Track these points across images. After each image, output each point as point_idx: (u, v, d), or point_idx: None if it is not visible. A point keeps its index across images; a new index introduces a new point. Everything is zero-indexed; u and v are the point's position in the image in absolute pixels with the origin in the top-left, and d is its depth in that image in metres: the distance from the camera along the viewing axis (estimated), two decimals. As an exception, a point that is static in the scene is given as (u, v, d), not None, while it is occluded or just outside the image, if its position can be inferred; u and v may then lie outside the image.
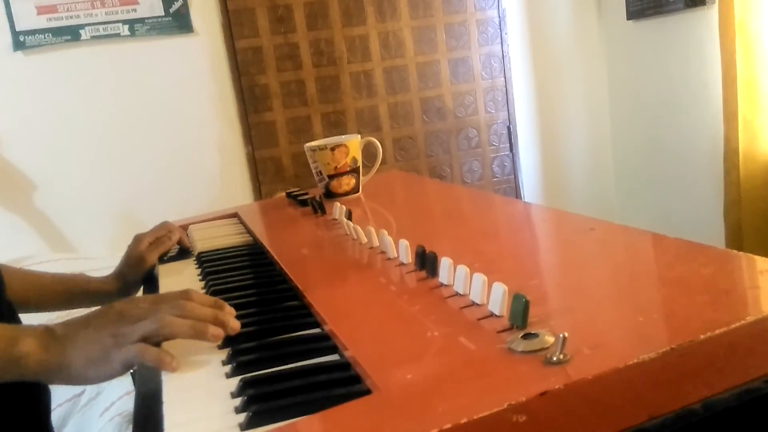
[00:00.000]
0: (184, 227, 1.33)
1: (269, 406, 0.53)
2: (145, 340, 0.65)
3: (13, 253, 1.98)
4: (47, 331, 0.66)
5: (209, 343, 0.69)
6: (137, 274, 1.11)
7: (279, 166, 2.82)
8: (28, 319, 0.91)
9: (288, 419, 0.51)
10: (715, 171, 2.45)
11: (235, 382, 0.59)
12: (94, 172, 2.61)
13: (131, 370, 0.71)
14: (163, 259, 1.16)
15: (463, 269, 0.66)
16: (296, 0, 2.75)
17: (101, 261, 1.91)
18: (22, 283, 1.04)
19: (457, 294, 0.67)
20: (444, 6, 2.90)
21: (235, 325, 0.69)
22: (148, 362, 0.64)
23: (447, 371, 0.52)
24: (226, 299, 0.80)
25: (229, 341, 0.70)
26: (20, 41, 2.46)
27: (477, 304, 0.63)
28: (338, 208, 1.11)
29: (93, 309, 0.69)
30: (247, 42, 2.71)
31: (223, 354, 0.67)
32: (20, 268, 1.10)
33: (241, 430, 0.52)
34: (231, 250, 1.13)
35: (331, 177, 1.33)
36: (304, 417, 0.51)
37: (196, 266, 1.07)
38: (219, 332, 0.68)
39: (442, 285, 0.70)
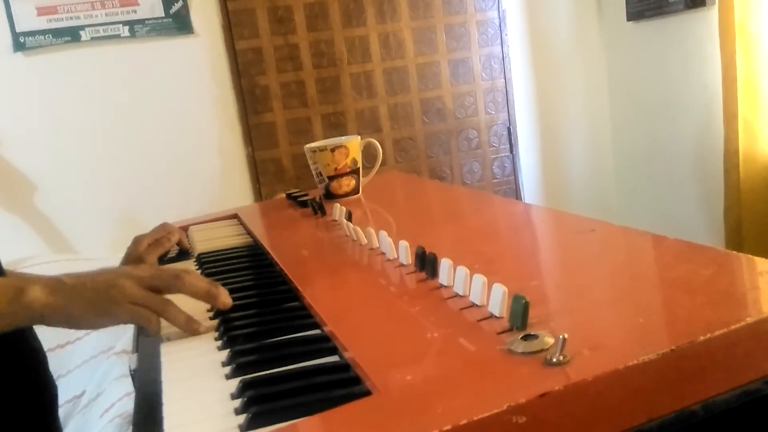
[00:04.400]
0: (185, 228, 1.33)
1: (269, 408, 0.53)
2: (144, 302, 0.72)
3: (13, 254, 1.97)
4: (55, 279, 0.73)
5: (210, 341, 0.69)
6: (137, 275, 1.11)
7: (279, 168, 2.82)
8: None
9: (288, 420, 0.51)
10: (715, 172, 2.45)
11: (235, 383, 0.59)
12: (95, 173, 2.61)
13: (132, 373, 0.71)
14: (163, 260, 1.16)
15: (463, 270, 0.66)
16: (296, 1, 2.75)
17: (101, 262, 1.91)
18: None
19: (456, 295, 0.67)
20: (444, 7, 2.90)
21: (227, 300, 0.76)
22: (146, 325, 0.71)
23: (447, 372, 0.52)
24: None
25: (229, 342, 0.70)
26: (20, 42, 2.46)
27: (477, 305, 0.63)
28: (338, 210, 1.11)
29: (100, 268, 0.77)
30: (247, 43, 2.72)
31: (224, 355, 0.67)
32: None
33: (241, 431, 0.52)
34: (231, 251, 1.13)
35: (331, 178, 1.33)
36: (304, 418, 0.51)
37: (197, 267, 1.07)
38: (222, 301, 0.76)
39: (441, 286, 0.70)
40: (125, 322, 0.72)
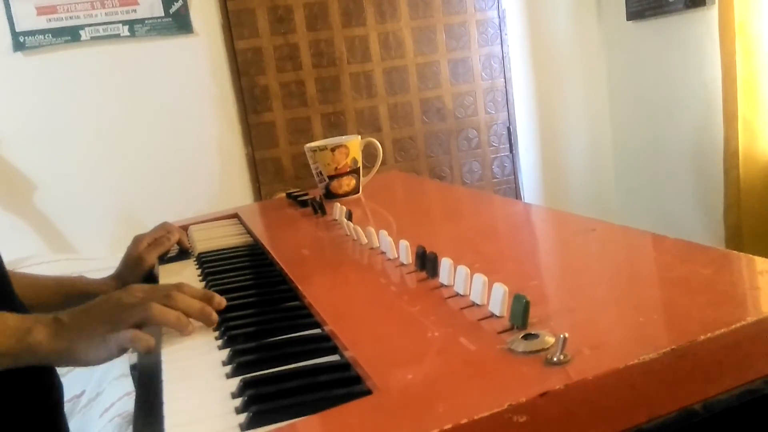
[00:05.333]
0: (185, 228, 1.33)
1: (269, 407, 0.53)
2: (137, 326, 0.71)
3: (13, 254, 1.98)
4: (56, 320, 0.73)
5: (210, 340, 0.70)
6: (136, 275, 1.11)
7: (279, 167, 2.82)
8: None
9: (288, 420, 0.51)
10: (715, 171, 2.45)
11: (235, 382, 0.59)
12: (94, 172, 2.61)
13: (132, 372, 0.71)
14: (163, 259, 1.16)
15: (463, 270, 0.66)
16: (296, 1, 2.75)
17: (101, 261, 1.91)
18: (20, 286, 1.04)
19: (457, 294, 0.67)
20: (444, 6, 2.90)
21: (214, 318, 0.76)
22: (135, 348, 0.71)
23: (447, 372, 0.52)
24: (226, 300, 0.80)
25: (229, 341, 0.70)
26: (20, 42, 2.46)
27: (477, 304, 0.63)
28: (338, 209, 1.11)
29: (95, 298, 0.77)
30: (247, 43, 2.71)
31: (224, 354, 0.67)
32: (19, 272, 1.10)
33: (242, 430, 0.52)
34: (231, 250, 1.13)
35: (331, 178, 1.33)
36: (305, 417, 0.51)
37: (197, 267, 1.07)
38: (212, 316, 0.76)
39: (442, 285, 0.70)
40: (125, 350, 0.72)
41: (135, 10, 2.56)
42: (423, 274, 0.75)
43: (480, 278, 0.63)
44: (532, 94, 3.07)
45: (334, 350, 0.64)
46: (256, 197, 2.78)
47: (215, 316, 0.76)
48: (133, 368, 0.76)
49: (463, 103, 2.99)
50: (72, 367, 1.58)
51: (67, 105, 2.55)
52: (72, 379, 1.58)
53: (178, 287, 0.76)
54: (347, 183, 1.34)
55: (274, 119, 2.79)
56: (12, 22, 2.45)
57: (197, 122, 2.69)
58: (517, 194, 3.10)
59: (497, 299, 0.60)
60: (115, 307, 0.73)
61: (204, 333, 0.75)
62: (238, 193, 2.75)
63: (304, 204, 1.30)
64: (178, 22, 2.60)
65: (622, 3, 2.86)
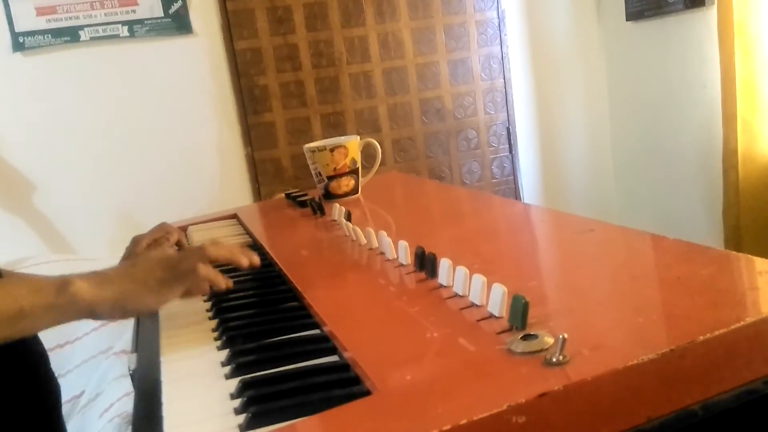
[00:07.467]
0: (184, 228, 1.33)
1: (269, 407, 0.53)
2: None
3: (13, 254, 1.97)
4: (93, 273, 0.73)
5: (210, 341, 0.69)
6: (136, 276, 1.11)
7: (278, 167, 2.82)
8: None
9: (287, 420, 0.51)
10: (714, 172, 2.45)
11: (234, 383, 0.59)
12: (94, 173, 2.61)
13: (131, 373, 0.71)
14: (162, 260, 1.16)
15: (462, 270, 0.66)
16: (296, 1, 2.75)
17: (101, 262, 1.90)
18: None
19: (456, 295, 0.67)
20: (443, 7, 2.90)
21: (254, 258, 0.82)
22: (211, 280, 0.75)
23: (446, 372, 0.52)
24: (226, 300, 0.80)
25: (228, 342, 0.70)
26: (20, 42, 2.46)
27: (476, 305, 0.63)
28: (337, 209, 1.11)
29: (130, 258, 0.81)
30: (246, 43, 2.71)
31: (223, 355, 0.67)
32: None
33: (241, 431, 0.52)
34: (230, 251, 1.12)
35: (330, 178, 1.33)
36: (304, 418, 0.51)
37: (196, 267, 1.07)
38: (255, 258, 0.82)
39: (441, 286, 0.70)
40: (188, 291, 0.74)
41: (134, 11, 2.55)
42: (422, 275, 0.75)
43: (479, 279, 0.63)
44: (531, 94, 3.07)
45: (333, 351, 0.64)
46: (256, 198, 2.78)
47: (251, 257, 0.81)
48: (132, 369, 0.76)
49: (462, 104, 2.99)
50: (71, 369, 1.58)
51: (67, 105, 2.55)
52: (71, 379, 1.58)
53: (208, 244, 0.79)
54: (346, 183, 1.34)
55: (273, 119, 2.79)
56: (11, 23, 2.45)
57: (197, 122, 2.69)
58: (516, 195, 3.09)
59: (496, 300, 0.60)
60: (162, 257, 0.75)
61: (203, 334, 0.75)
62: (238, 194, 2.75)
63: (303, 204, 1.30)
64: (178, 22, 2.60)
65: (621, 3, 2.86)
